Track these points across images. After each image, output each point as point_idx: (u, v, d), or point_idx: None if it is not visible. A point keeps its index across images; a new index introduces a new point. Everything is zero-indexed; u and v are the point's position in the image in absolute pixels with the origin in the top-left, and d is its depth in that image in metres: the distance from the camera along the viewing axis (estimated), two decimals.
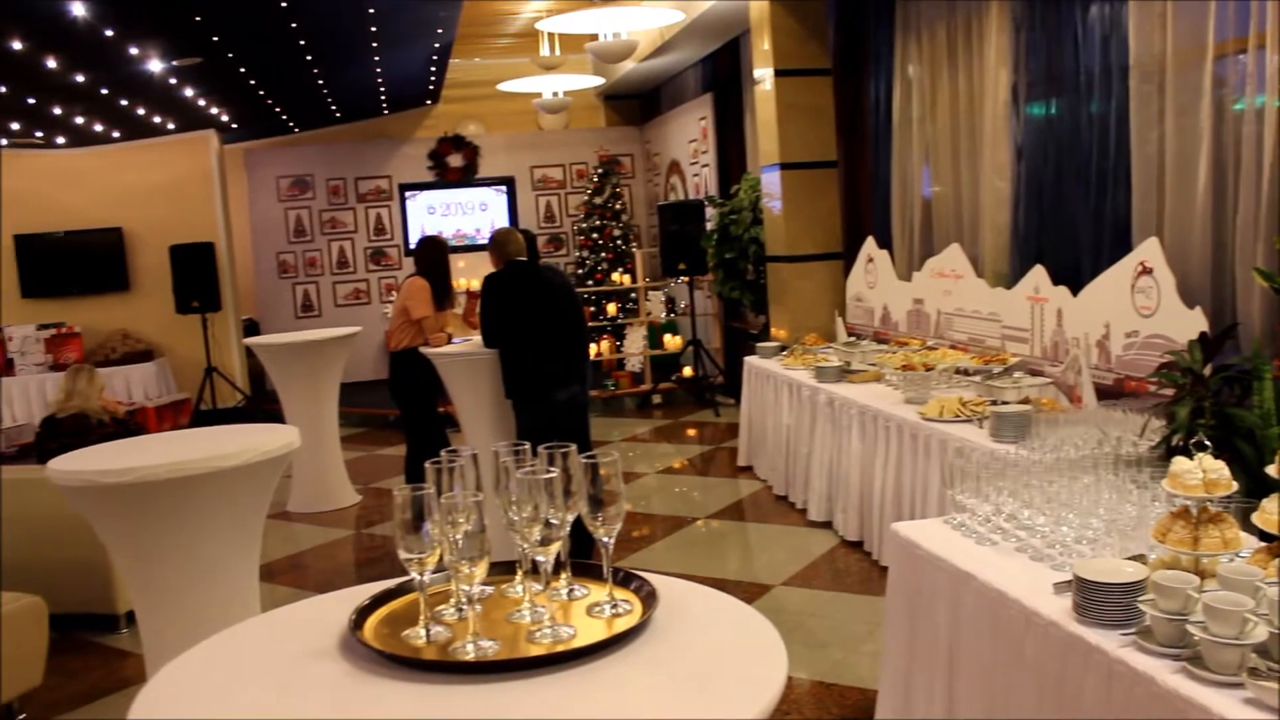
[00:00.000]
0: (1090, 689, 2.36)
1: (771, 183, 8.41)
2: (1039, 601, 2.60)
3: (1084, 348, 5.00)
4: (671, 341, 11.57)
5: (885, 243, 7.58)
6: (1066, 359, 5.03)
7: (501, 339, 5.55)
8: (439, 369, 6.18)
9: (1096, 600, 2.41)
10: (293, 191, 13.53)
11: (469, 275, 12.39)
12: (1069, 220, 5.60)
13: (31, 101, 8.51)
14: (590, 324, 10.26)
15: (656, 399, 10.94)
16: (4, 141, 10.56)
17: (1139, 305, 4.63)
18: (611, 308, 12.10)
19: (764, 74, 8.31)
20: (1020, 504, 3.03)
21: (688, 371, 10.88)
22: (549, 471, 1.94)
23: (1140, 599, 2.35)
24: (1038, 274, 5.49)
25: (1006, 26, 6.03)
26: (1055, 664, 2.49)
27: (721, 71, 11.18)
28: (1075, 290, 5.16)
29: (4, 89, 7.77)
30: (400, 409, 7.04)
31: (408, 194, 13.79)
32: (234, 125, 11.90)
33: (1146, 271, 4.58)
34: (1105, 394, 4.74)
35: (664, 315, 12.13)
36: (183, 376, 11.24)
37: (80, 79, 7.72)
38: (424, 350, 6.31)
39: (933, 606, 3.09)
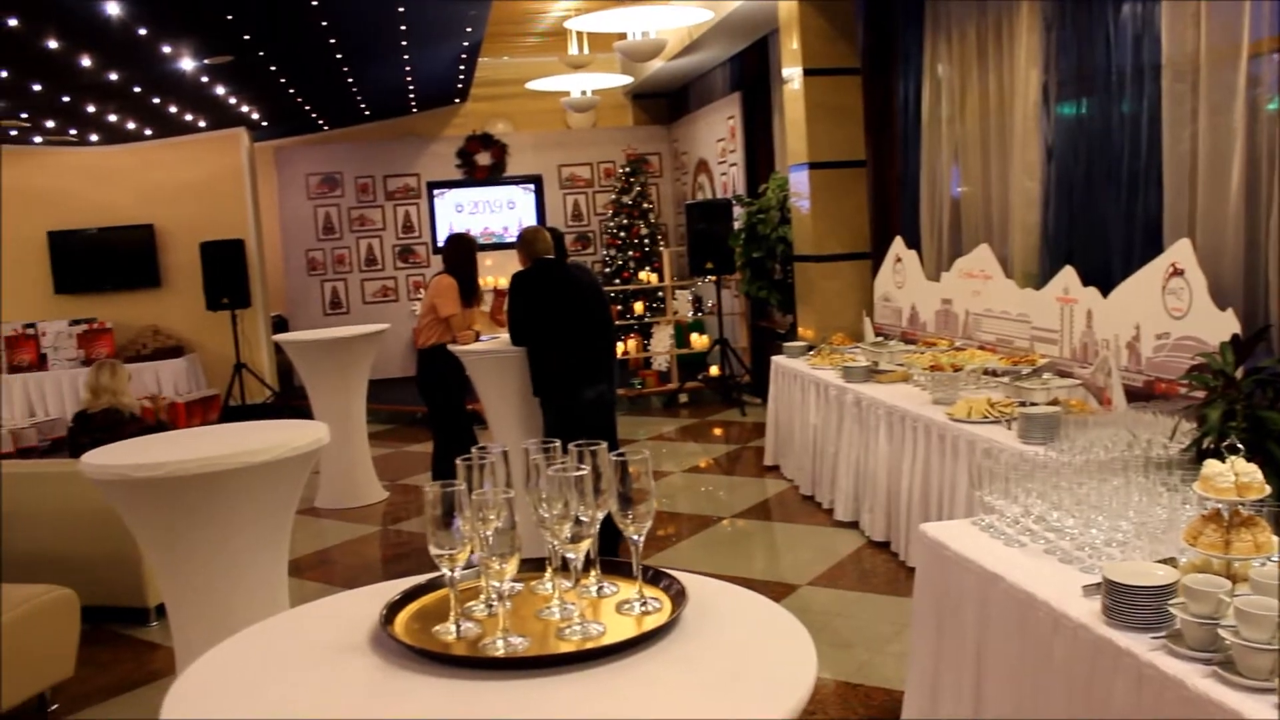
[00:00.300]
0: (1120, 692, 2.35)
1: (799, 182, 8.39)
2: (1068, 604, 2.59)
3: (1114, 349, 4.96)
4: (698, 340, 11.56)
5: (914, 243, 7.55)
6: (1096, 360, 5.00)
7: (529, 337, 5.57)
8: (467, 366, 6.21)
9: (1126, 603, 2.40)
10: (322, 189, 13.61)
11: (497, 273, 12.41)
12: (1099, 221, 5.55)
13: (66, 99, 8.60)
14: (617, 322, 10.26)
15: (683, 398, 10.93)
16: (39, 139, 10.69)
17: (1170, 307, 4.59)
18: (638, 306, 12.10)
19: (793, 73, 8.29)
20: (1049, 506, 3.01)
21: (714, 371, 10.86)
22: (579, 469, 1.95)
23: (1171, 602, 2.34)
24: (1067, 275, 5.45)
25: (1037, 26, 5.99)
26: (1084, 667, 2.47)
27: (750, 70, 11.16)
28: (1105, 291, 5.12)
29: (39, 87, 7.87)
30: (428, 406, 7.08)
31: (436, 192, 13.84)
32: (264, 123, 11.99)
33: (1178, 273, 4.54)
34: (1135, 396, 4.71)
35: (691, 314, 12.12)
36: (212, 372, 11.35)
37: (113, 77, 7.80)
38: (452, 348, 6.33)
39: (960, 608, 3.08)
